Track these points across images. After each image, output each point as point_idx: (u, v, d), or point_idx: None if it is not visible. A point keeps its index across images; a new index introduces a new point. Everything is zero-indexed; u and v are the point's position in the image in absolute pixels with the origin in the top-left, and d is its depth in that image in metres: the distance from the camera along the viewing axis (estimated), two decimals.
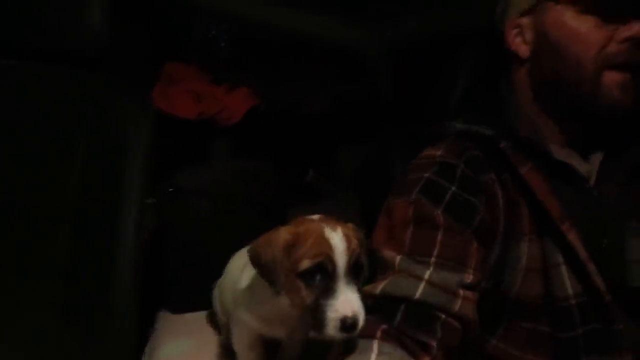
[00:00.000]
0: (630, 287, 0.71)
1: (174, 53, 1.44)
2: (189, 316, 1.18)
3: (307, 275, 0.65)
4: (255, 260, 0.70)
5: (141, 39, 1.35)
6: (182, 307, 1.20)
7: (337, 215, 0.72)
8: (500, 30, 0.83)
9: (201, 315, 1.15)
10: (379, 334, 0.66)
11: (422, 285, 0.67)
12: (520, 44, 0.81)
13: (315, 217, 0.72)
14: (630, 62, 0.72)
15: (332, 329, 0.62)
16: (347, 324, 0.62)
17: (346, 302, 0.63)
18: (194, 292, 1.13)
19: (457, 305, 0.67)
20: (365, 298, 0.71)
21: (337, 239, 0.65)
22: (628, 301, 0.71)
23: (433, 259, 0.70)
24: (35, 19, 0.89)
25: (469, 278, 0.69)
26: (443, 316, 0.67)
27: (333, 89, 1.71)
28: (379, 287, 0.69)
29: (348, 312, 0.62)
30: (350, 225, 0.72)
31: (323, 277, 0.65)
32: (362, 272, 0.69)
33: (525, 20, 0.80)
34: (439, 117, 0.90)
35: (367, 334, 0.65)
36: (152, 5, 1.27)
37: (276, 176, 1.40)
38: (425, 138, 0.87)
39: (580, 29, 0.73)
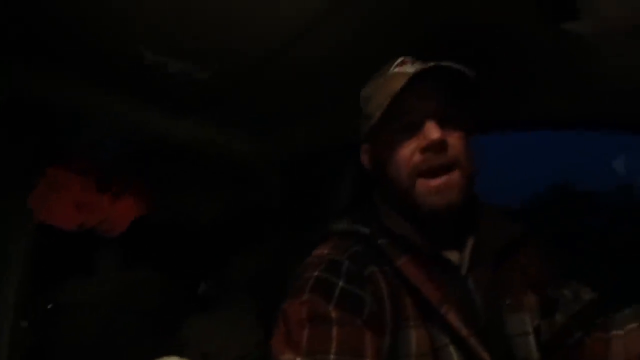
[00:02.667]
0: (517, 358, 0.79)
1: (59, 155, 1.37)
2: None
3: None
4: None
5: (24, 142, 1.27)
6: None
7: (233, 323, 0.71)
8: None
9: None
10: None
11: None
12: (367, 163, 0.94)
13: None
14: (433, 167, 0.83)
15: None
16: None
17: None
18: None
19: None
20: None
21: None
22: None
23: (332, 356, 0.70)
24: None
25: None
26: None
27: (224, 197, 1.73)
28: None
29: None
30: None
31: None
32: None
33: (365, 146, 0.94)
34: (327, 220, 0.97)
35: None
36: (38, 107, 1.22)
37: (167, 286, 1.34)
38: (315, 241, 0.92)
39: (395, 147, 0.85)
